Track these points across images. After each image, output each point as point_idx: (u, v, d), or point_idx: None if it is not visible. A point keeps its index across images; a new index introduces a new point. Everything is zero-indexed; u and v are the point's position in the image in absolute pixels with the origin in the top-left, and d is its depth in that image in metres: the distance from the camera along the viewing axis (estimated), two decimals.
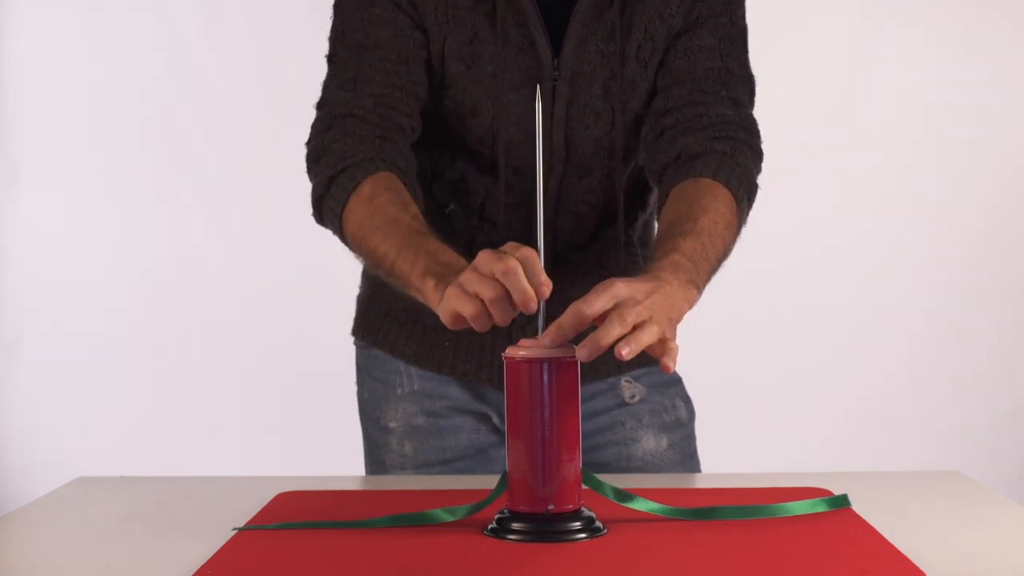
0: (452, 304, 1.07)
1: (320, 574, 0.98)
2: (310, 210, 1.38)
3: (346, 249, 1.35)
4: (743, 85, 1.42)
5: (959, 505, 1.24)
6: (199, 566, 0.99)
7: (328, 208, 1.34)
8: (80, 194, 3.23)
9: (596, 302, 1.04)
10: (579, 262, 1.47)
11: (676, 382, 1.56)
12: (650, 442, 1.51)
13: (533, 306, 1.02)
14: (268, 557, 1.03)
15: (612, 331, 1.02)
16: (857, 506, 1.18)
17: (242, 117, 3.15)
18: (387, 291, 1.52)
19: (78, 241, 3.23)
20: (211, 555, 1.03)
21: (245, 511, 1.19)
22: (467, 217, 1.46)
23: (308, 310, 3.10)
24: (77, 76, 3.20)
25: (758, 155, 1.41)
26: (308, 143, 1.39)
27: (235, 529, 1.11)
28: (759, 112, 1.45)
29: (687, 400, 1.56)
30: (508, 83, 1.38)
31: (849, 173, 3.25)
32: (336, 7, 1.43)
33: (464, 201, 1.46)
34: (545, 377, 1.06)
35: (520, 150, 1.41)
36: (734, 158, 1.36)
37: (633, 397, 1.51)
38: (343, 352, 1.62)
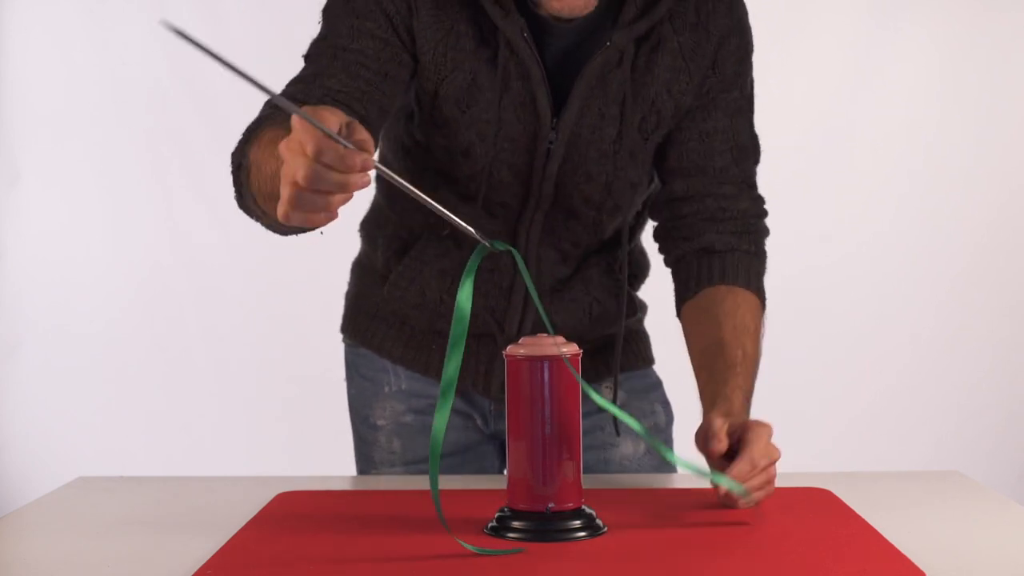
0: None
1: (320, 574, 0.98)
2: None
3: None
4: (751, 156, 1.44)
5: (959, 505, 1.24)
6: (199, 566, 0.99)
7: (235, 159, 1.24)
8: (81, 194, 3.22)
9: (763, 461, 1.17)
10: (565, 290, 1.45)
11: (656, 387, 1.56)
12: (628, 447, 1.50)
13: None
14: (268, 557, 1.03)
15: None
16: (857, 506, 1.18)
17: (242, 117, 3.14)
18: (375, 291, 1.51)
19: (79, 241, 3.23)
20: (211, 555, 1.03)
21: (245, 511, 1.19)
22: (457, 244, 1.43)
23: (309, 310, 3.07)
24: (78, 76, 3.19)
25: (768, 229, 1.47)
26: None
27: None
28: (760, 121, 1.45)
29: (666, 405, 1.56)
30: (504, 133, 1.34)
31: (848, 179, 3.25)
32: (325, 12, 1.34)
33: (447, 228, 1.41)
34: (546, 375, 1.06)
35: (510, 189, 1.38)
36: (759, 256, 1.42)
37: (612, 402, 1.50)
38: (343, 352, 1.62)
